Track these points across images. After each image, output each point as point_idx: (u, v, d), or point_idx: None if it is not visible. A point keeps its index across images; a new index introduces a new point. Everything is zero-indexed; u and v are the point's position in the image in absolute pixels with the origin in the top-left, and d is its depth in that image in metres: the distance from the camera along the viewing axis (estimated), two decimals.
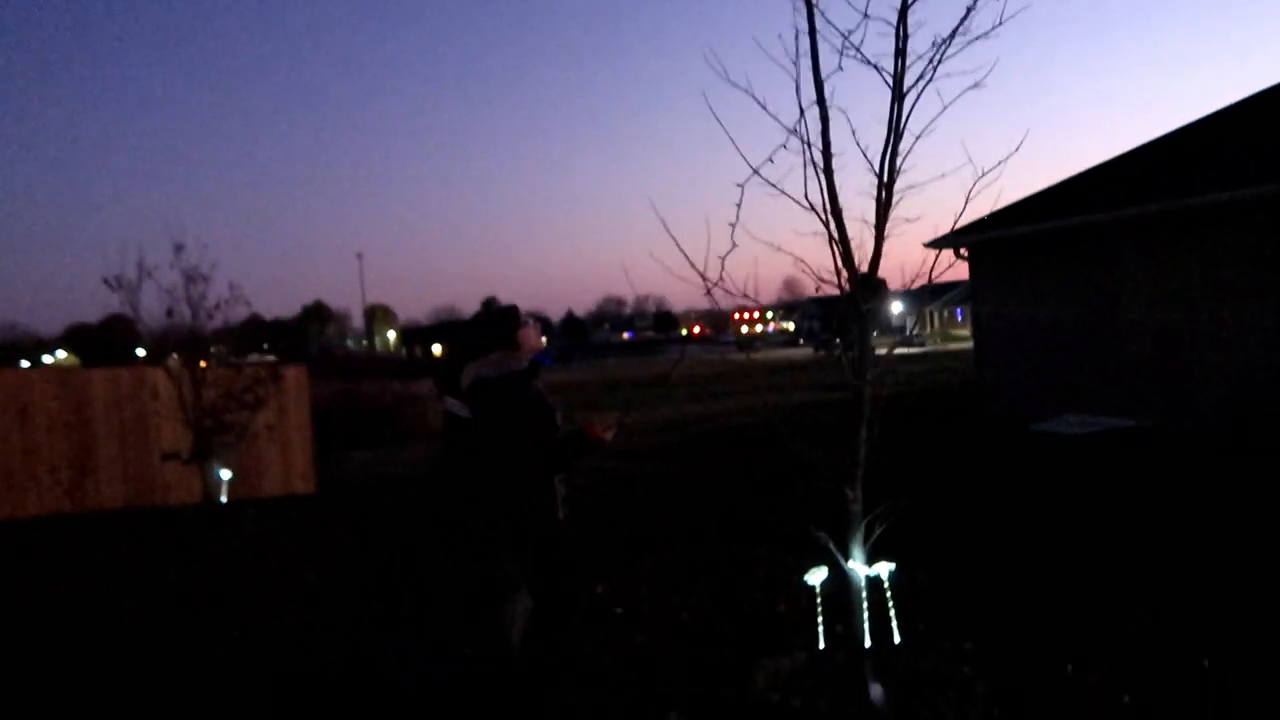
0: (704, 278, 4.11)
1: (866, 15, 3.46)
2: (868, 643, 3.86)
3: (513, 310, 3.95)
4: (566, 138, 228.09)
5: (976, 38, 3.49)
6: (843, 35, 3.53)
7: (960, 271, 15.40)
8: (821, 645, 4.08)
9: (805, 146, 3.83)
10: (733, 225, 3.70)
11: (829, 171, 3.70)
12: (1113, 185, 13.03)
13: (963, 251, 14.19)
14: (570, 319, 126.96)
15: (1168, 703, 3.80)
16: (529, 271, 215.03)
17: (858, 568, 3.86)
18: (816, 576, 4.10)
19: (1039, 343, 13.45)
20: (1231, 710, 3.73)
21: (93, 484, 11.02)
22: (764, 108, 3.98)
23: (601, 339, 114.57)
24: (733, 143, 3.65)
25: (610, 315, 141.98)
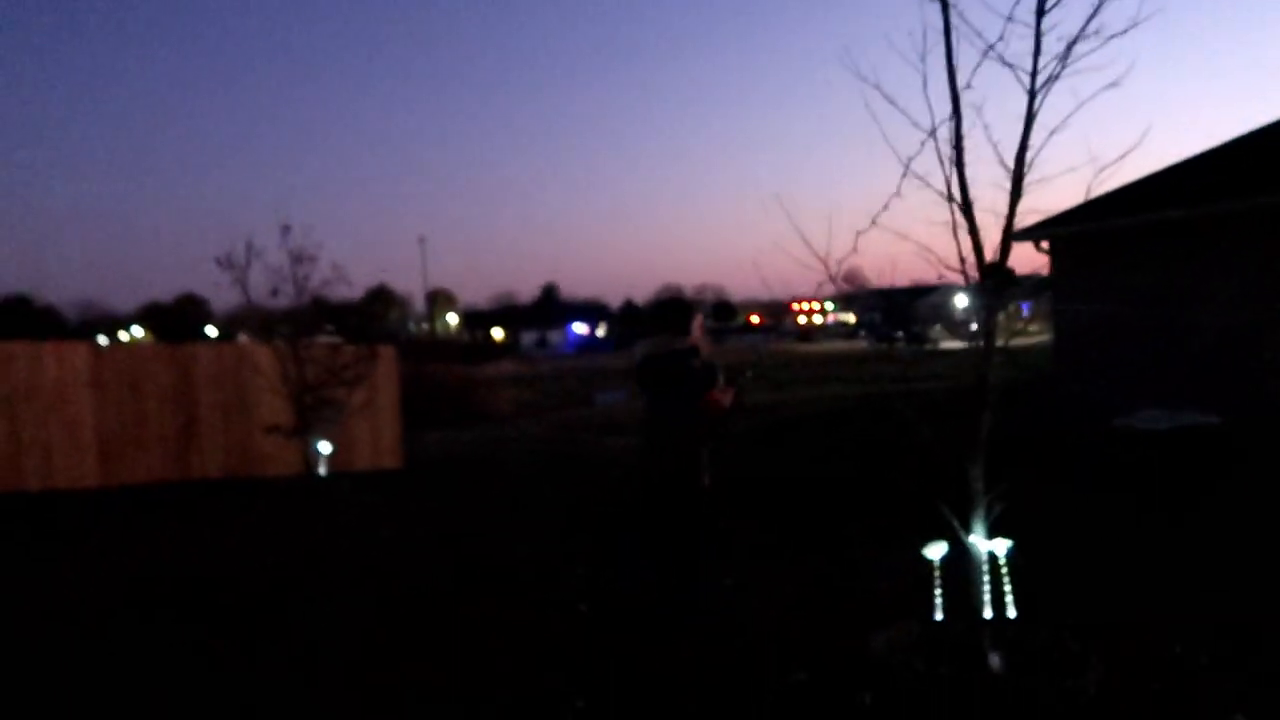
0: (825, 267, 4.34)
1: (1010, 18, 3.63)
2: (987, 614, 4.05)
3: (688, 303, 4.87)
4: (631, 125, 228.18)
5: (1111, 36, 3.64)
6: (984, 40, 3.69)
7: (1027, 264, 15.30)
8: (939, 616, 4.28)
9: (934, 139, 4.03)
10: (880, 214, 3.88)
11: (960, 164, 3.89)
12: (1195, 180, 12.86)
13: (1043, 245, 14.11)
14: (629, 307, 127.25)
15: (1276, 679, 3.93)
16: (588, 258, 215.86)
17: (979, 542, 4.05)
18: (936, 551, 4.30)
19: (1119, 336, 13.35)
20: None
21: (197, 454, 11.60)
22: (893, 103, 4.17)
23: None
24: (885, 139, 3.86)
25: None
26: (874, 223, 3.96)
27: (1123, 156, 4.06)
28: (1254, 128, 13.96)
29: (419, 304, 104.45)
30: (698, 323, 4.64)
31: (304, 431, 10.71)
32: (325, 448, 11.03)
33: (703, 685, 4.19)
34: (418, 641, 4.94)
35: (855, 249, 4.09)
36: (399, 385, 13.45)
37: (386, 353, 13.05)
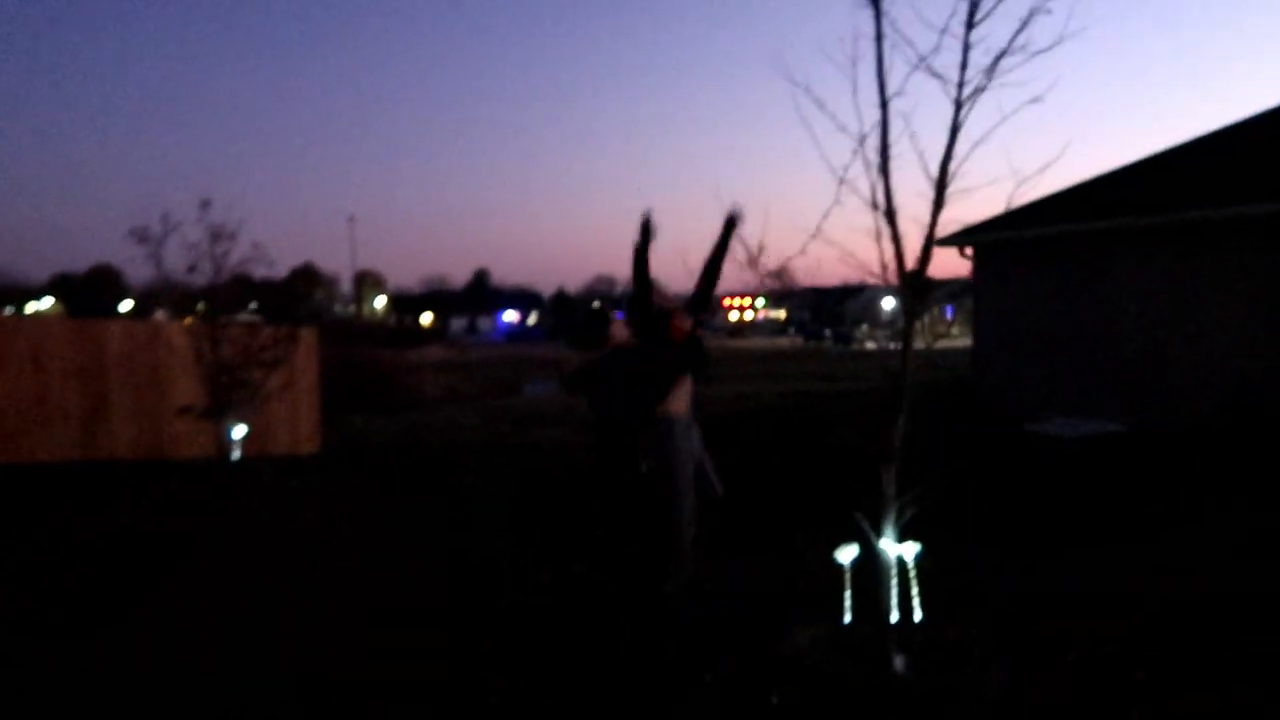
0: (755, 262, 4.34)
1: (943, 31, 3.66)
2: (894, 617, 4.11)
3: (600, 312, 5.39)
4: (569, 112, 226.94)
5: (1036, 52, 3.71)
6: (915, 50, 3.72)
7: (951, 269, 15.66)
8: (848, 618, 4.33)
9: (861, 146, 4.06)
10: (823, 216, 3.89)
11: (886, 172, 3.92)
12: (1113, 195, 13.31)
13: (967, 251, 14.45)
14: (561, 296, 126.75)
15: (1176, 679, 4.07)
16: (522, 245, 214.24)
17: (889, 546, 4.11)
18: (847, 554, 4.35)
19: (1035, 344, 13.76)
20: (1234, 692, 4.00)
21: (105, 434, 11.16)
22: (822, 107, 4.19)
23: None
24: (818, 148, 3.87)
25: (601, 294, 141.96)
26: (817, 231, 3.98)
27: (1042, 170, 4.15)
28: (1165, 147, 14.51)
29: (346, 285, 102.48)
30: (617, 329, 5.10)
31: (218, 413, 10.37)
32: (240, 431, 10.72)
33: (613, 688, 4.18)
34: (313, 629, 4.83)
35: (803, 252, 4.11)
36: (319, 368, 13.15)
37: (307, 335, 12.73)
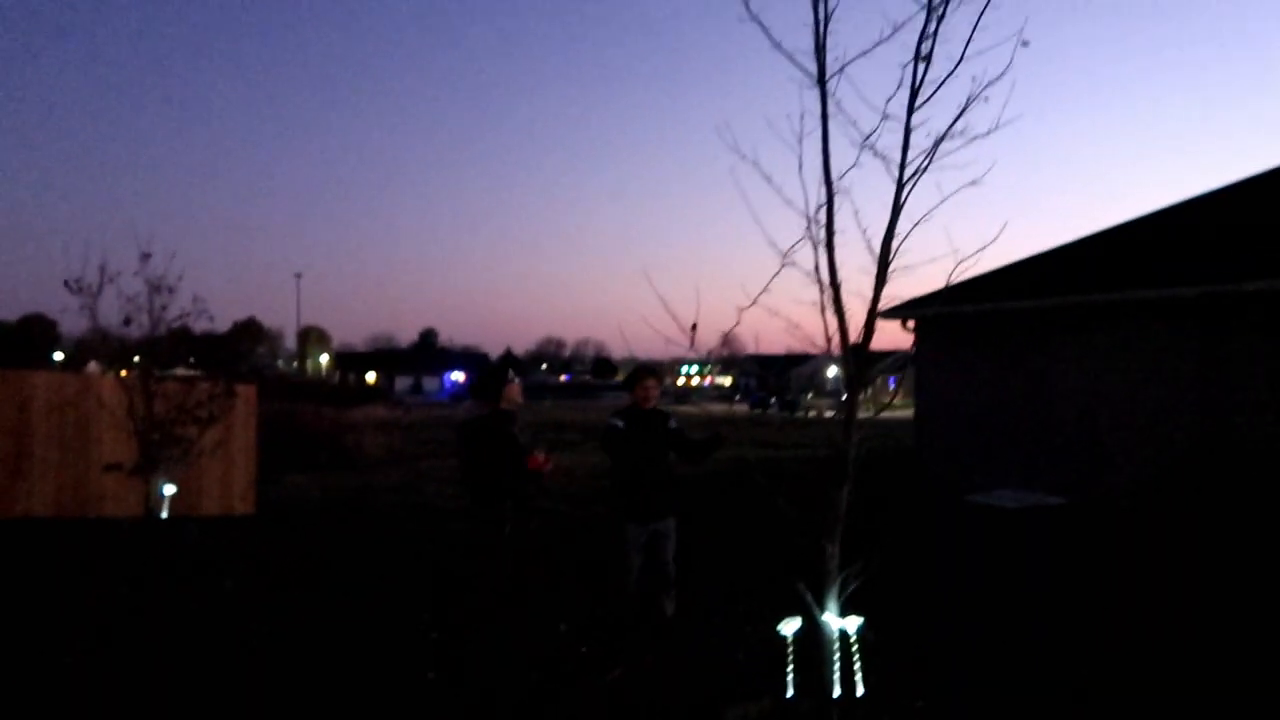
0: (690, 334, 4.36)
1: (885, 116, 3.78)
2: (837, 692, 4.06)
3: (499, 371, 5.60)
4: (519, 175, 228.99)
5: (974, 137, 3.83)
6: (859, 130, 3.82)
7: (894, 340, 15.95)
8: (790, 693, 4.27)
9: (806, 220, 4.13)
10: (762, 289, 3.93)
11: (831, 247, 3.99)
12: (1050, 273, 13.74)
13: (909, 324, 14.74)
14: (508, 356, 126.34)
15: None
16: (469, 305, 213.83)
17: (831, 620, 4.08)
18: (790, 627, 4.30)
19: (976, 416, 14.00)
20: None
21: (24, 490, 10.72)
22: (769, 181, 4.26)
23: (538, 379, 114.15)
24: (759, 224, 3.93)
25: (549, 356, 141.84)
26: (754, 302, 4.02)
27: (980, 250, 4.25)
28: (1100, 229, 15.06)
29: (290, 341, 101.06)
30: (511, 389, 5.50)
31: (148, 470, 10.02)
32: (170, 489, 10.36)
33: None
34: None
35: (739, 322, 4.14)
36: (257, 426, 12.83)
37: (246, 391, 12.43)
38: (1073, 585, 7.60)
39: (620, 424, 5.74)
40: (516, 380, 5.59)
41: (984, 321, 13.71)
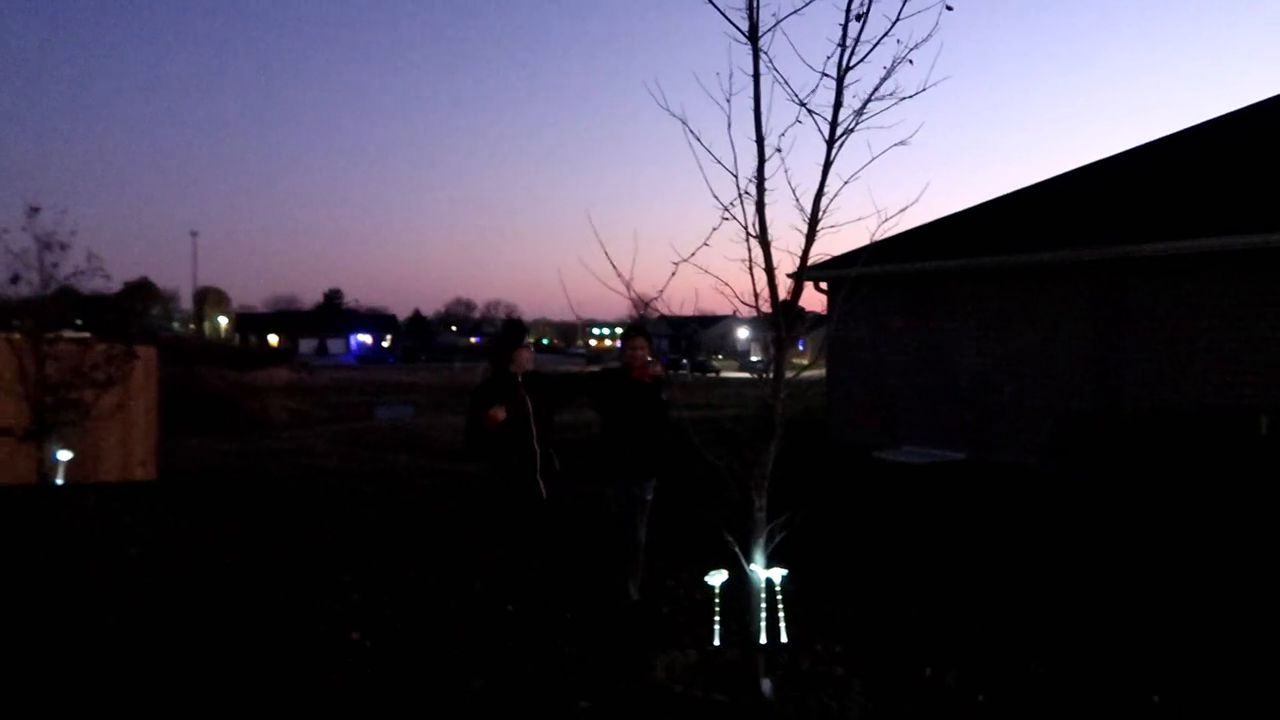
0: (630, 291, 4.36)
1: (824, 74, 3.81)
2: (763, 640, 4.17)
3: (511, 335, 5.84)
4: (429, 132, 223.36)
5: (903, 98, 3.90)
6: (791, 89, 3.85)
7: (807, 301, 16.23)
8: (716, 642, 4.37)
9: (736, 178, 4.16)
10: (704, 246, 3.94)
11: (761, 205, 4.02)
12: (958, 236, 14.16)
13: (822, 285, 15.01)
14: (417, 319, 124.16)
15: (1011, 699, 4.30)
16: (376, 266, 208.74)
17: (758, 570, 4.18)
18: (717, 578, 4.39)
19: (885, 377, 14.41)
20: (1060, 706, 4.25)
21: None
22: (698, 139, 4.27)
23: (448, 341, 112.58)
24: (706, 181, 3.92)
25: (459, 318, 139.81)
26: (693, 255, 4.04)
27: (903, 210, 4.36)
28: (1009, 190, 15.55)
29: (186, 302, 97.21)
30: (519, 355, 5.61)
31: (40, 436, 9.55)
32: (64, 455, 9.92)
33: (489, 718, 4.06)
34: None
35: (673, 275, 4.15)
36: (159, 389, 12.33)
37: (147, 353, 11.91)
38: (973, 535, 7.94)
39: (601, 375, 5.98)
40: (528, 346, 5.81)
41: (894, 283, 14.06)
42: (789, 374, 4.32)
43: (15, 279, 9.34)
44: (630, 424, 5.73)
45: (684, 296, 4.91)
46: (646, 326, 5.86)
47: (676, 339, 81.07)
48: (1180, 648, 5.05)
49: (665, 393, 5.93)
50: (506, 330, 6.00)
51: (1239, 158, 12.67)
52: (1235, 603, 5.93)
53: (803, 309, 4.16)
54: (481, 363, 71.88)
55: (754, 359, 64.52)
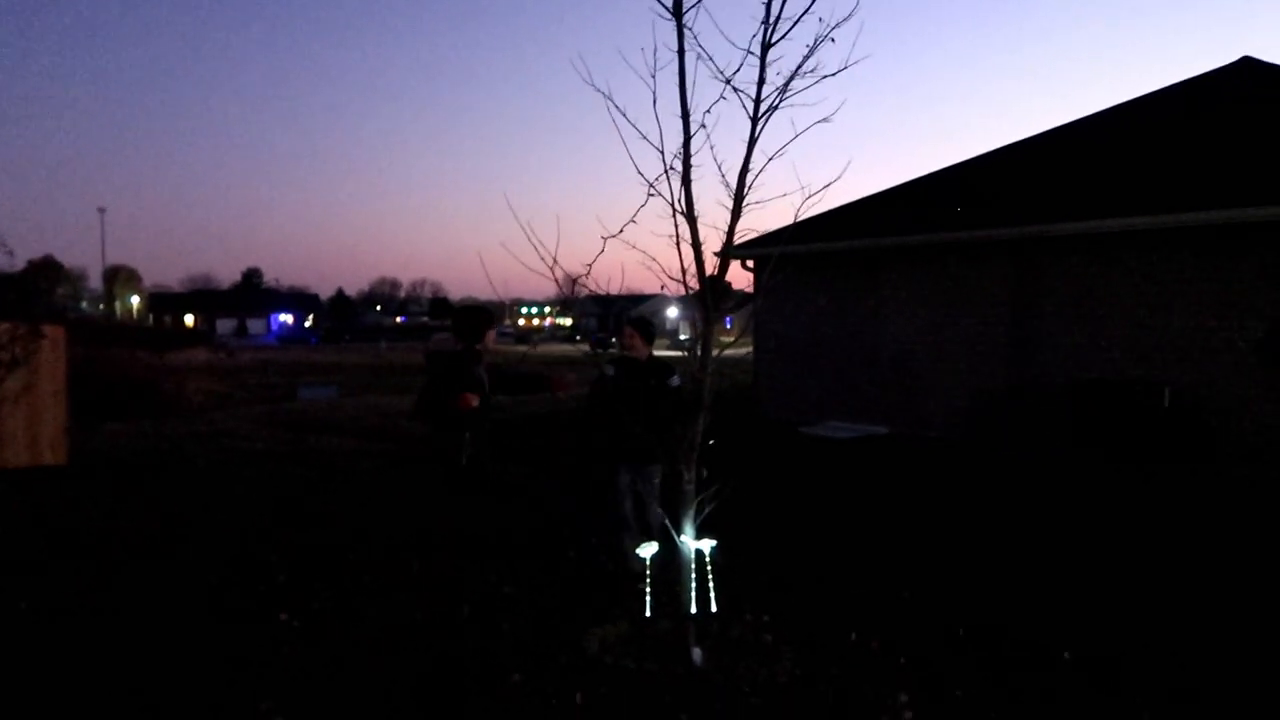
0: (554, 273, 4.37)
1: (750, 51, 3.85)
2: (693, 610, 4.25)
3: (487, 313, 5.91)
4: (353, 107, 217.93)
5: (824, 75, 3.97)
6: (715, 65, 3.88)
7: (733, 279, 16.39)
8: (648, 613, 4.43)
9: (662, 155, 4.18)
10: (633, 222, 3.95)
11: (688, 180, 4.06)
12: (881, 215, 14.45)
13: (749, 263, 15.18)
14: (340, 298, 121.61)
15: (932, 660, 4.46)
16: (297, 244, 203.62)
17: (689, 542, 4.25)
18: (648, 550, 4.45)
19: (810, 354, 14.68)
20: (980, 666, 4.44)
21: None
22: (624, 114, 4.28)
23: (372, 321, 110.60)
24: (631, 159, 3.92)
25: (383, 297, 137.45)
26: (620, 232, 4.04)
27: (826, 186, 4.43)
28: (931, 170, 15.89)
29: (95, 281, 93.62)
30: (490, 335, 5.76)
31: None
32: None
33: (422, 691, 4.05)
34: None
35: (600, 253, 4.15)
36: (68, 371, 11.88)
37: (54, 333, 11.45)
38: (894, 506, 8.18)
39: (611, 372, 5.83)
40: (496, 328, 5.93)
41: (819, 261, 14.29)
42: (715, 351, 4.38)
43: None
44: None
45: (612, 274, 4.95)
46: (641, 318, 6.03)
47: (605, 317, 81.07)
48: (1098, 604, 5.29)
49: (675, 378, 5.90)
50: (472, 311, 5.87)
51: (1148, 141, 13.17)
52: (1140, 554, 6.24)
53: (729, 284, 4.22)
54: (406, 342, 70.88)
55: (683, 337, 65.02)
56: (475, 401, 5.28)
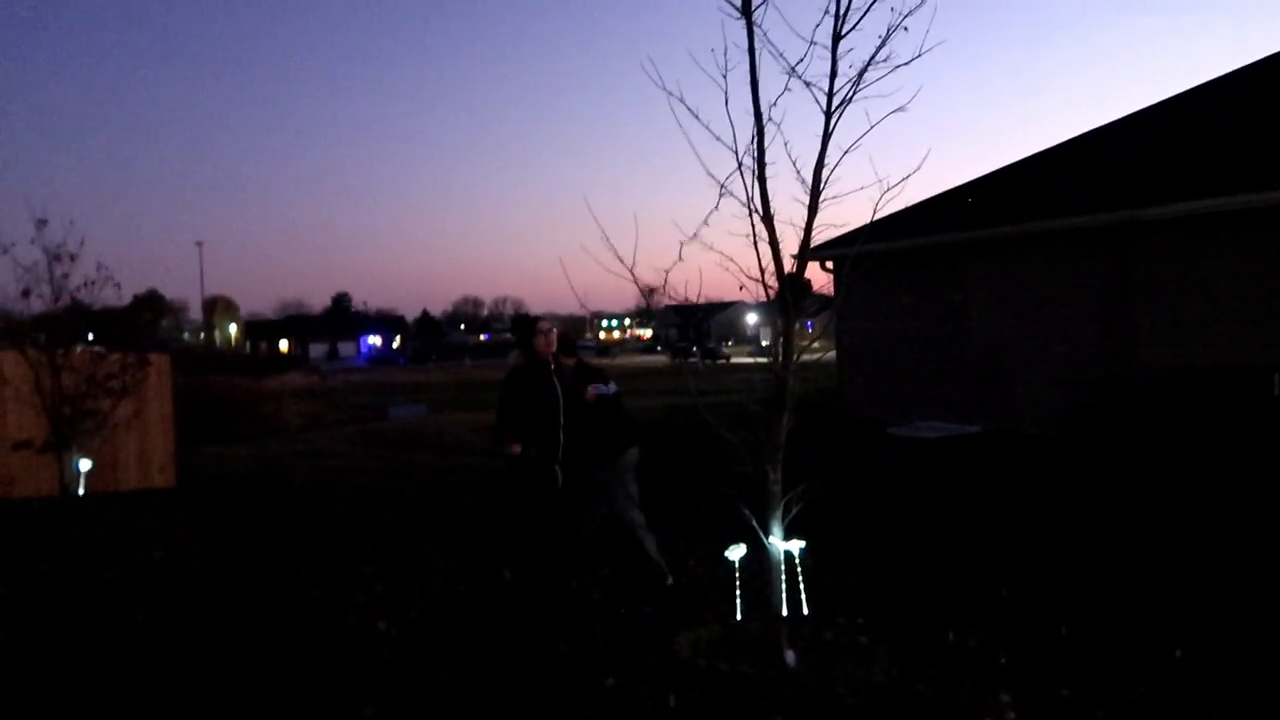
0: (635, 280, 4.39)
1: (813, 42, 3.81)
2: (784, 612, 4.20)
3: (528, 322, 5.90)
4: (431, 130, 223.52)
5: (898, 65, 3.91)
6: (785, 61, 3.85)
7: (814, 282, 16.22)
8: (738, 616, 4.40)
9: (735, 153, 4.17)
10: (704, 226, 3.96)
11: (763, 178, 4.04)
12: (964, 208, 14.11)
13: (828, 264, 14.99)
14: (425, 318, 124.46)
15: (1035, 661, 4.32)
16: (383, 268, 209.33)
17: (777, 543, 4.20)
18: (736, 552, 4.42)
19: (895, 353, 14.40)
20: (1084, 667, 4.27)
21: None
22: (696, 116, 4.29)
23: (457, 340, 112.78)
24: (698, 157, 3.92)
25: (466, 316, 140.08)
26: (695, 235, 4.05)
27: (905, 179, 4.36)
28: (1016, 159, 15.47)
29: (195, 312, 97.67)
30: (537, 340, 5.66)
31: (60, 447, 9.66)
32: (85, 465, 10.01)
33: (516, 696, 4.10)
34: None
35: (679, 257, 4.16)
36: (174, 397, 12.42)
37: (160, 361, 12.00)
38: (989, 505, 7.95)
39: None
40: (544, 330, 5.80)
41: (901, 259, 14.02)
42: (798, 356, 4.34)
43: (27, 293, 9.43)
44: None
45: (689, 278, 4.93)
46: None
47: (685, 327, 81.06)
48: (1202, 605, 5.06)
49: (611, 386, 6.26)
50: (516, 323, 6.10)
51: (1242, 117, 12.57)
52: (1259, 555, 5.94)
53: (809, 282, 4.17)
54: (489, 360, 72.06)
55: (764, 343, 64.55)
56: (517, 449, 5.42)
